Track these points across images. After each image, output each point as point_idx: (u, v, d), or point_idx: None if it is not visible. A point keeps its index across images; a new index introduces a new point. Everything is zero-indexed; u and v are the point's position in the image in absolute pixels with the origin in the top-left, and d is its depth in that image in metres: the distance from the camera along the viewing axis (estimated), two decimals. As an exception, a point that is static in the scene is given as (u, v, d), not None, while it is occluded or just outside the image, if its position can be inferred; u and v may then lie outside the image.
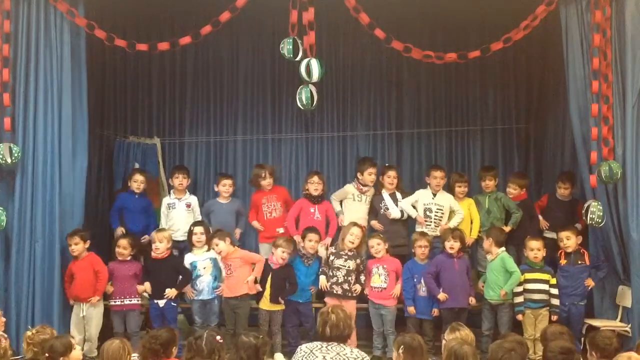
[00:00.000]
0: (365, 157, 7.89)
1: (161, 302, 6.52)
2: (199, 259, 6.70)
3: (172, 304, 6.56)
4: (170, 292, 6.50)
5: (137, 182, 7.30)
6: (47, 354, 4.36)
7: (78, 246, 6.36)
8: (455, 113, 8.53)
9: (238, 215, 7.42)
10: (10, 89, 6.22)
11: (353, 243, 6.62)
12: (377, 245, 6.68)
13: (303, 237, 6.82)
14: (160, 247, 6.60)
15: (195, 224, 6.90)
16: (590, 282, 6.46)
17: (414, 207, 7.21)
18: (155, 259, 6.63)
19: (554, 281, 6.46)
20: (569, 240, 6.55)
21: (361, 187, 7.30)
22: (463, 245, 6.72)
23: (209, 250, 6.73)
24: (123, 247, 6.62)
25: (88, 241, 6.45)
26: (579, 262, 6.51)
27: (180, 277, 6.58)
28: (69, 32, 6.33)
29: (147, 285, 6.54)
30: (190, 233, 6.83)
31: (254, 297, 6.69)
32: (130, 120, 8.51)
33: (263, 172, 7.35)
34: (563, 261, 6.57)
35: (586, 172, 6.35)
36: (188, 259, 6.73)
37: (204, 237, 6.73)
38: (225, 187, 7.36)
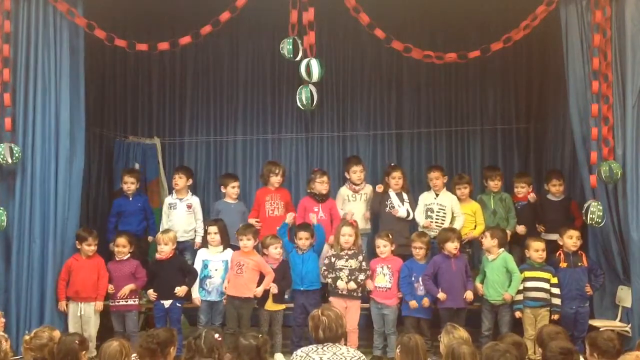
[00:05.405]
0: (351, 156, 7.93)
1: (167, 303, 6.49)
2: (212, 258, 6.67)
3: (177, 304, 6.53)
4: (181, 290, 6.47)
5: (127, 184, 7.26)
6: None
7: (91, 247, 6.42)
8: (455, 113, 8.53)
9: (244, 216, 7.41)
10: (11, 89, 6.22)
11: (348, 242, 6.63)
12: (384, 247, 6.67)
13: (295, 235, 6.82)
14: (165, 250, 6.58)
15: (210, 223, 6.87)
16: (589, 290, 6.45)
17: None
18: (159, 260, 6.62)
19: (555, 280, 6.43)
20: (571, 240, 6.50)
21: (354, 186, 7.34)
22: (461, 243, 6.74)
23: (223, 250, 6.71)
24: (122, 246, 6.61)
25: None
26: (579, 264, 6.49)
27: (188, 276, 6.56)
28: (69, 32, 6.33)
29: (129, 287, 6.47)
30: (205, 232, 6.84)
31: (255, 298, 6.64)
32: (130, 120, 8.52)
33: (277, 169, 7.39)
34: (563, 264, 6.52)
35: (586, 172, 6.34)
36: (201, 255, 6.72)
37: (217, 237, 6.69)
38: (234, 188, 7.37)
